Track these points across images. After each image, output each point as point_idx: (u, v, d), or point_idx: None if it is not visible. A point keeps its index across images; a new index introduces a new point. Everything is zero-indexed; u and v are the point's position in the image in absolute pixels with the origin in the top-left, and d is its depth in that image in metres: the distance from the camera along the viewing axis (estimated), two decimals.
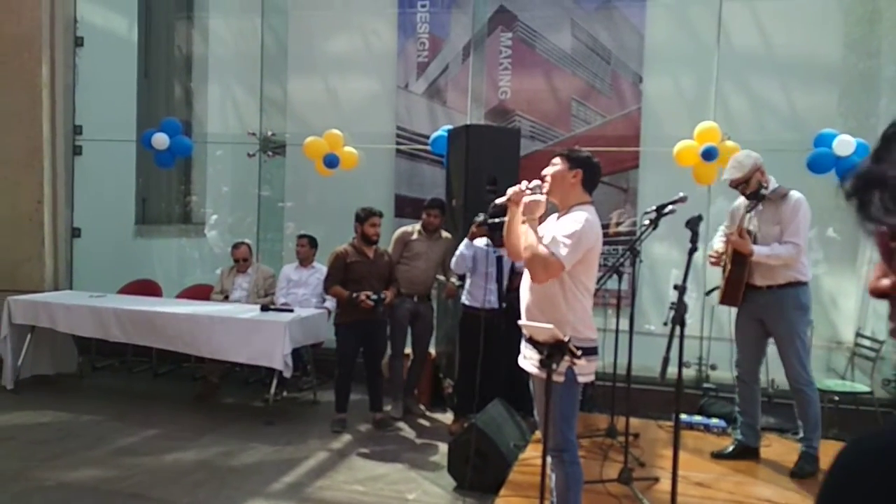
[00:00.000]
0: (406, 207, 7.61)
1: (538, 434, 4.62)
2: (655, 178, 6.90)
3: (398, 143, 7.64)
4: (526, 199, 3.32)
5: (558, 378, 3.11)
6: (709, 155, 5.73)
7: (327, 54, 8.00)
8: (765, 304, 4.41)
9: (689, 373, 6.12)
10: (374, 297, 5.50)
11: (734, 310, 4.58)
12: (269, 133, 7.57)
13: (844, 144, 5.48)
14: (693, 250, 2.98)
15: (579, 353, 3.05)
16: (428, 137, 7.22)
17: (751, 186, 4.34)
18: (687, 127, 6.15)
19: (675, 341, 2.84)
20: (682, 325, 2.72)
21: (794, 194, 4.35)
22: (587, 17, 7.37)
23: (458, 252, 5.37)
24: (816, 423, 4.39)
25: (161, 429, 5.50)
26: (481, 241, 5.24)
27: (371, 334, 5.67)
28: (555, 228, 3.27)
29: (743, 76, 6.90)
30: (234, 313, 5.97)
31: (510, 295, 5.66)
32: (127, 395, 6.49)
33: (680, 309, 2.68)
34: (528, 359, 3.32)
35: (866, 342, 5.29)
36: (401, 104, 7.78)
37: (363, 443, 5.36)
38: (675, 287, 2.81)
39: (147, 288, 7.28)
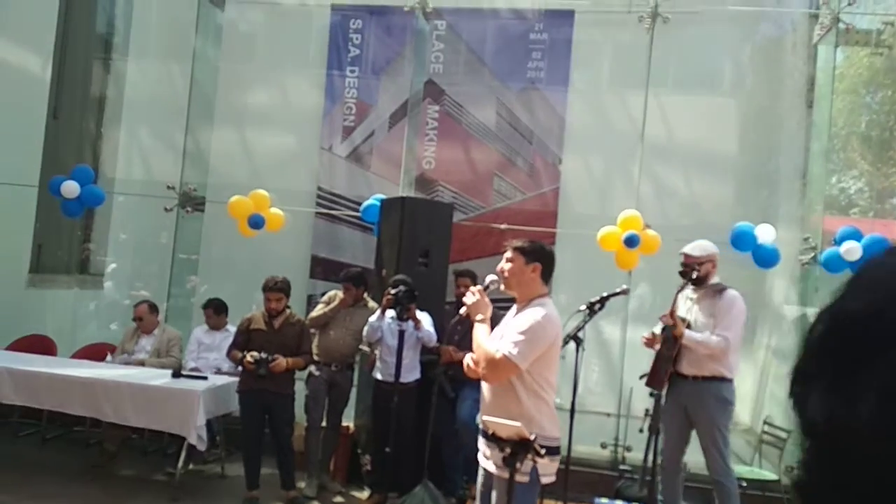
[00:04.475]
0: (318, 267, 7.50)
1: None
2: (570, 258, 7.10)
3: (318, 203, 7.54)
4: (467, 300, 3.34)
5: (522, 478, 3.07)
6: (631, 242, 5.99)
7: (251, 109, 7.84)
8: (688, 394, 4.58)
9: (605, 454, 6.26)
10: (258, 356, 5.19)
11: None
12: (191, 188, 7.25)
13: (765, 232, 5.89)
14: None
15: (542, 451, 3.05)
16: (348, 200, 7.17)
17: (701, 272, 4.57)
18: (601, 210, 6.40)
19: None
20: (658, 433, 2.79)
21: (732, 291, 4.60)
22: (512, 96, 7.64)
23: (369, 320, 5.37)
24: None
25: (51, 503, 5.01)
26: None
27: (274, 405, 5.32)
28: (512, 324, 3.28)
29: (653, 165, 7.28)
30: (144, 379, 5.59)
31: (437, 370, 5.64)
32: (12, 463, 5.85)
33: (655, 418, 2.75)
34: (489, 458, 3.24)
35: (773, 430, 5.58)
36: (323, 165, 7.71)
37: None
38: (651, 394, 2.88)
39: (40, 344, 6.68)
